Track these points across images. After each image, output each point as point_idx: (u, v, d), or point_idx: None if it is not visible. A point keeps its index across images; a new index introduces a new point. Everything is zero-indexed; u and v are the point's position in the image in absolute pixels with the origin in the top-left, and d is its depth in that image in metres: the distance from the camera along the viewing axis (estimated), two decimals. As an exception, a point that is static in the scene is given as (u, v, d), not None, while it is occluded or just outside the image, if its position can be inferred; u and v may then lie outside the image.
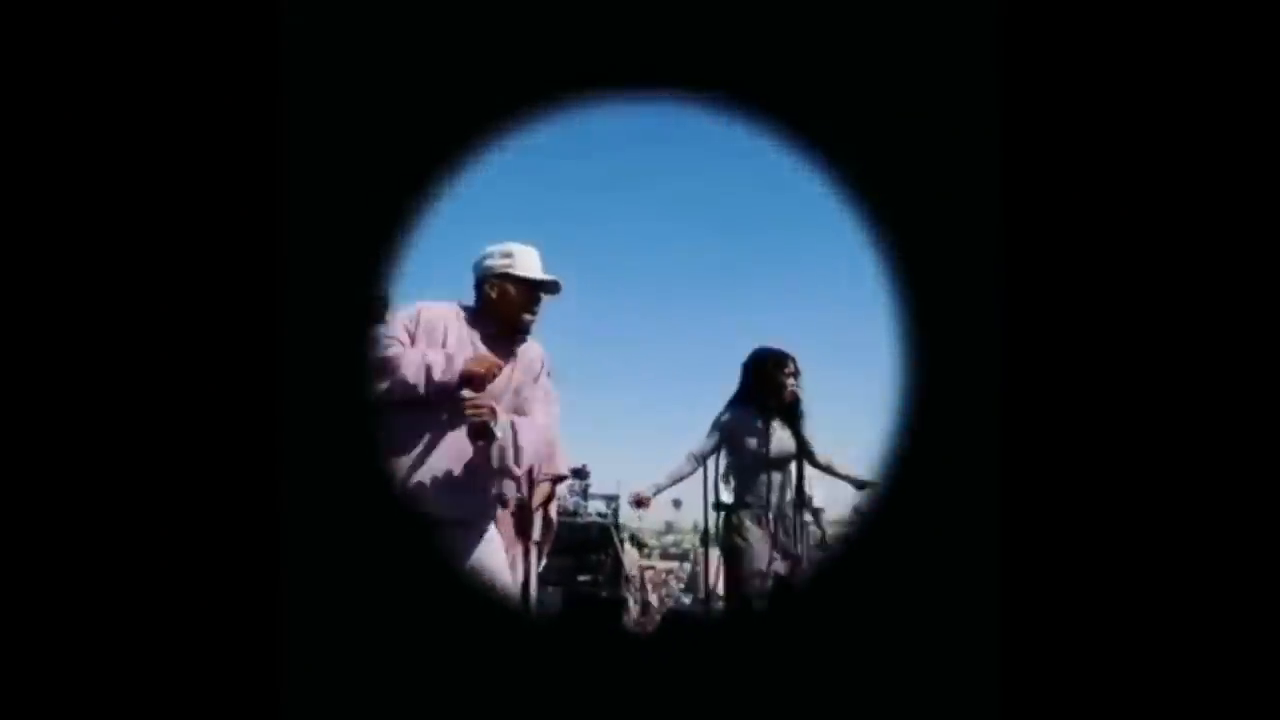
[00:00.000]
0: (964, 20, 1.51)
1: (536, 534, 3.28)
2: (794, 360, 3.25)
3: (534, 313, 2.03)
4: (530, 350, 2.09)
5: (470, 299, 2.10)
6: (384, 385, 1.86)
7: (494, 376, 1.96)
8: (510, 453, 1.96)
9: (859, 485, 3.31)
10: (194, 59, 1.41)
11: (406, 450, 1.91)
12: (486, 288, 2.04)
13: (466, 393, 1.91)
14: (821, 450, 3.27)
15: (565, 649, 1.75)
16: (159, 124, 1.41)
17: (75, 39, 1.39)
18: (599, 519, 6.27)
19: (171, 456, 1.38)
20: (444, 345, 1.96)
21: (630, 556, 7.79)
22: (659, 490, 3.31)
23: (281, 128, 1.43)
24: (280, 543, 1.39)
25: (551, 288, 2.04)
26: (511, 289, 2.01)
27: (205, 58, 1.42)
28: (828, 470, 3.29)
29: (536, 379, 2.10)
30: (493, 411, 1.92)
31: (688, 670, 1.62)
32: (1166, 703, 1.37)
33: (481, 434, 1.92)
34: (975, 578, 1.45)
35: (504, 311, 2.02)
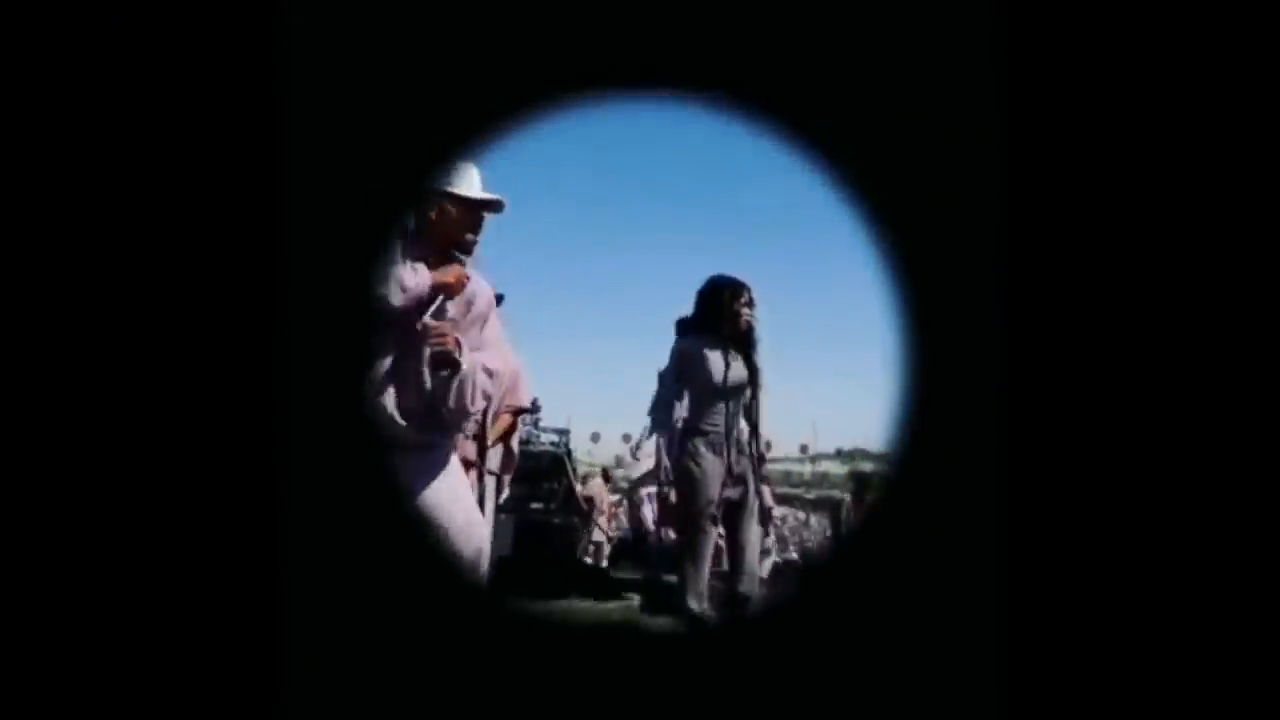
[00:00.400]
0: (964, 20, 1.51)
1: (496, 465, 3.27)
2: (749, 289, 3.26)
3: (477, 233, 1.99)
4: (479, 289, 2.04)
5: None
6: None
7: (463, 286, 1.94)
8: (469, 391, 1.93)
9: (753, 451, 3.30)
10: (194, 59, 1.41)
11: (373, 373, 1.87)
12: (427, 208, 1.98)
13: (429, 320, 1.88)
14: (764, 389, 3.28)
15: (562, 649, 1.75)
16: (159, 124, 1.41)
17: (75, 39, 1.39)
18: (552, 448, 6.34)
19: (172, 456, 1.38)
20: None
21: (597, 488, 7.91)
22: (649, 435, 3.32)
23: (281, 128, 1.43)
24: (280, 543, 1.39)
25: (494, 206, 2.00)
26: (452, 209, 1.96)
27: (205, 58, 1.42)
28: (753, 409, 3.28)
29: (486, 320, 2.06)
30: (457, 343, 1.89)
31: (685, 671, 1.62)
32: (1166, 703, 1.37)
33: (445, 363, 1.88)
34: (975, 578, 1.45)
35: (445, 232, 1.97)
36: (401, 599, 1.57)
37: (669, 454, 3.24)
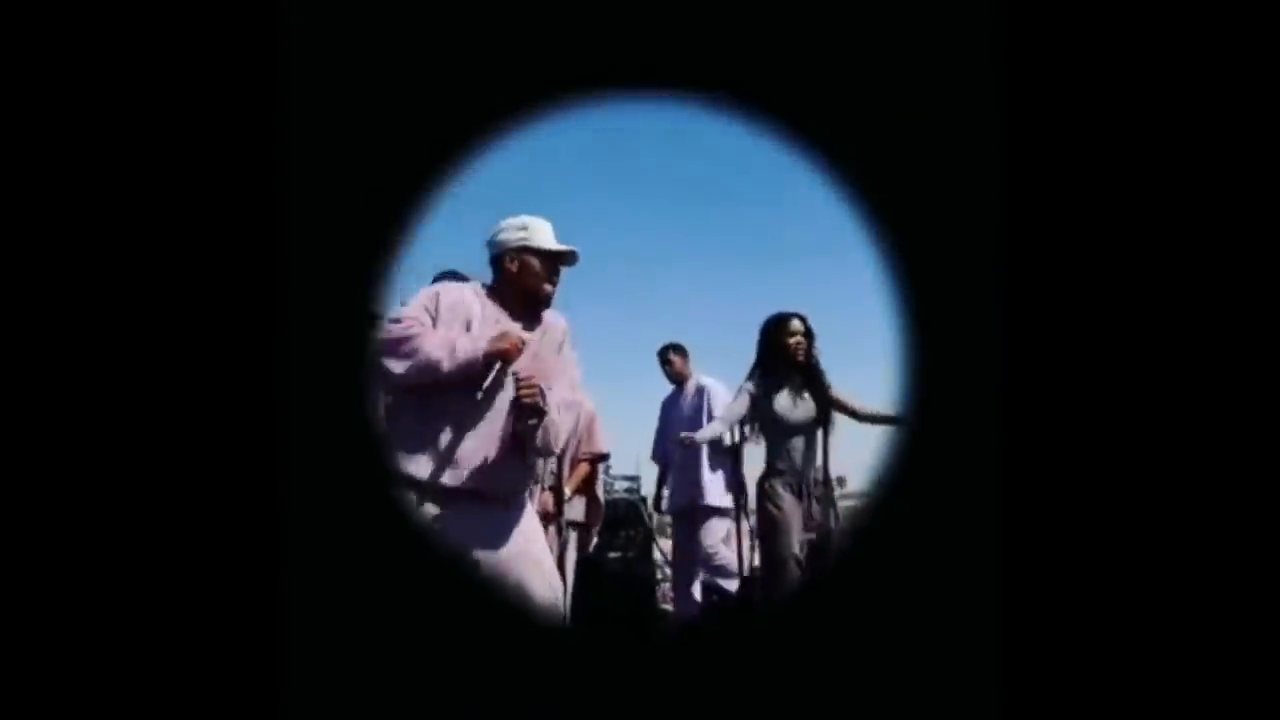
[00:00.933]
0: (964, 20, 1.51)
1: (580, 514, 3.24)
2: (801, 319, 3.18)
3: (554, 283, 2.05)
4: (552, 321, 2.09)
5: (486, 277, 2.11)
6: (401, 368, 1.86)
7: (519, 351, 1.96)
8: (553, 432, 1.96)
9: (889, 420, 3.15)
10: (194, 59, 1.41)
11: (428, 429, 1.91)
12: (505, 262, 2.05)
13: (520, 370, 1.91)
14: (852, 399, 3.19)
15: (564, 649, 1.75)
16: (159, 124, 1.41)
17: (75, 39, 1.39)
18: (626, 495, 6.27)
19: (172, 456, 1.38)
20: (469, 326, 1.97)
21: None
22: (696, 441, 3.29)
23: (281, 128, 1.43)
24: (280, 543, 1.39)
25: (569, 258, 2.06)
26: (532, 261, 2.03)
27: (205, 58, 1.42)
28: (867, 418, 3.18)
29: (560, 349, 2.10)
30: (543, 393, 1.91)
31: (686, 671, 1.62)
32: (1166, 703, 1.37)
33: (534, 414, 1.91)
34: (975, 578, 1.45)
35: (525, 285, 2.03)
36: (401, 599, 1.57)
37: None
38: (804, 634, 1.61)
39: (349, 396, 1.58)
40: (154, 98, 1.41)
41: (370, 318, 1.80)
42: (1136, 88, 1.45)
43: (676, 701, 1.56)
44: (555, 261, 2.04)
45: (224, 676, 1.36)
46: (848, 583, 1.69)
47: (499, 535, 1.95)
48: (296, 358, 1.43)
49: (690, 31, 1.56)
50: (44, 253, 1.37)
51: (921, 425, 1.56)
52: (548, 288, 2.04)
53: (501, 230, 2.06)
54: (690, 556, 4.17)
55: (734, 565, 3.81)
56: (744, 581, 4.05)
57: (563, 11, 1.56)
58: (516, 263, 2.03)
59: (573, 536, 3.12)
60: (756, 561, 3.74)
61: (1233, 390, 1.39)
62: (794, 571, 2.99)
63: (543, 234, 2.04)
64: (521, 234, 2.04)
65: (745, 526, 3.55)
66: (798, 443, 3.13)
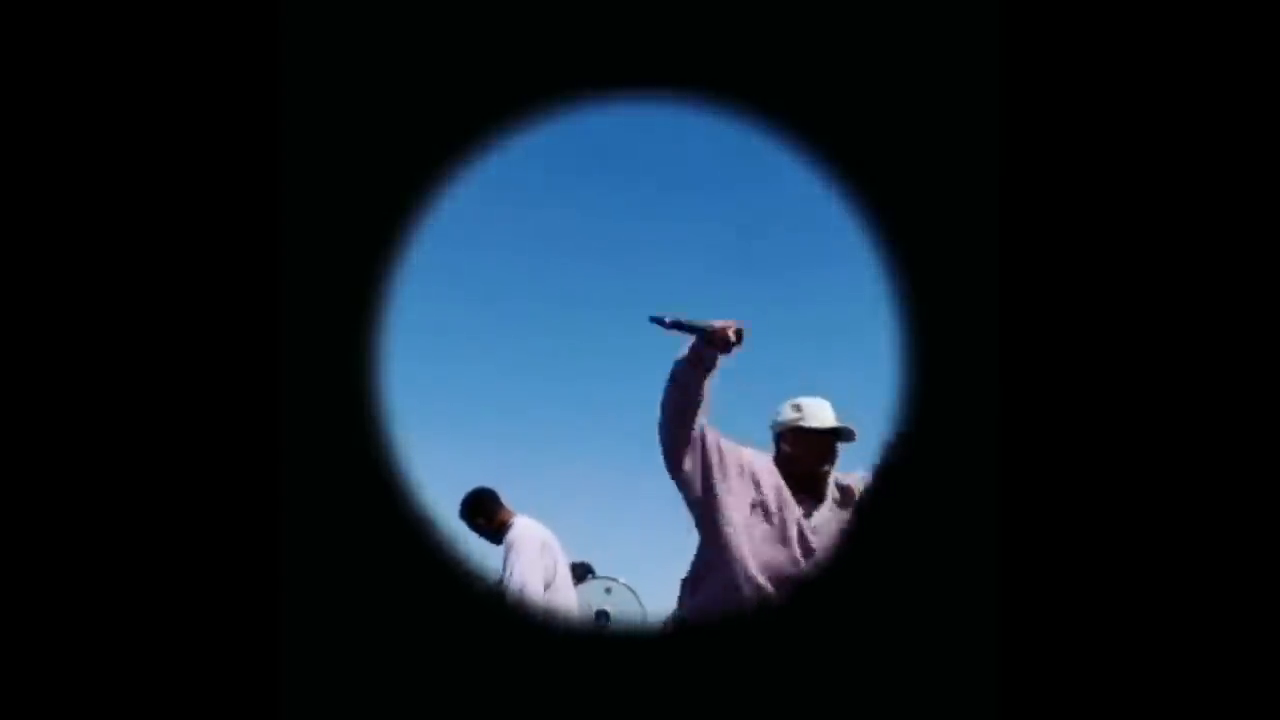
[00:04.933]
0: (964, 21, 1.51)
1: None
2: None
3: (831, 462, 2.10)
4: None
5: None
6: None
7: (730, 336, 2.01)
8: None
9: None
10: (194, 59, 1.41)
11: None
12: (782, 442, 2.11)
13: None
14: None
15: (551, 648, 1.75)
16: (159, 124, 1.41)
17: (76, 39, 1.39)
18: None
19: (172, 456, 1.38)
20: (757, 485, 2.02)
21: None
22: None
23: (281, 128, 1.43)
24: (280, 543, 1.39)
25: (845, 435, 2.10)
26: (805, 441, 2.08)
27: (205, 58, 1.42)
28: None
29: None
30: None
31: (686, 672, 1.62)
32: (1166, 703, 1.37)
33: None
34: (973, 579, 1.45)
35: (800, 464, 2.09)
36: (401, 600, 1.57)
37: None
38: (802, 635, 1.61)
39: (349, 396, 1.58)
40: (155, 98, 1.41)
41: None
42: (1137, 88, 1.45)
43: (676, 702, 1.56)
44: (831, 440, 2.08)
45: (224, 676, 1.36)
46: (846, 583, 1.69)
47: None
48: (296, 358, 1.43)
49: (691, 33, 1.56)
50: (46, 251, 1.37)
51: (921, 426, 1.56)
52: (825, 468, 2.08)
53: (779, 411, 2.13)
54: None
55: None
56: None
57: (562, 12, 1.56)
58: (790, 442, 2.08)
59: None
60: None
61: (1232, 390, 1.40)
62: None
63: (817, 414, 2.08)
64: (795, 415, 2.09)
65: None
66: None
